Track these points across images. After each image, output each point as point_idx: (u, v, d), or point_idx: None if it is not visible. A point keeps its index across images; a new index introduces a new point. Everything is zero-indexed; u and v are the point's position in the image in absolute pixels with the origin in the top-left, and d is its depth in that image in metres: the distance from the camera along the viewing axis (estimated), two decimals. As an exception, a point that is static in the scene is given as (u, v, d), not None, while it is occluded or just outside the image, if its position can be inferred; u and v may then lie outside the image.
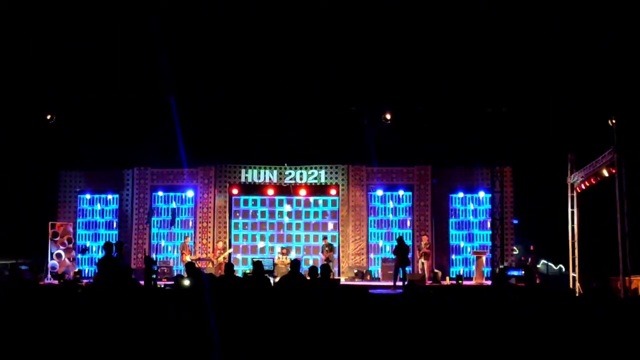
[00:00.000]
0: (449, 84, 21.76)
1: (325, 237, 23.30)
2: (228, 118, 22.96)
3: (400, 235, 22.48)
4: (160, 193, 24.40)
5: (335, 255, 23.33)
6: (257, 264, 12.55)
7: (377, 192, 24.19)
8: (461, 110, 22.27)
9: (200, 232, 24.06)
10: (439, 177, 24.18)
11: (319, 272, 12.33)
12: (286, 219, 24.53)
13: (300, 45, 21.16)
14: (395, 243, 21.73)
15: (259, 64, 21.86)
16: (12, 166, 23.01)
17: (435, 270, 22.64)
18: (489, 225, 23.24)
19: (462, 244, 23.93)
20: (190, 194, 24.43)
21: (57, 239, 23.09)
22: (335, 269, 22.64)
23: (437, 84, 21.90)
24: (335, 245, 23.53)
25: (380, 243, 24.12)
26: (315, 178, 24.26)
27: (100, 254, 22.46)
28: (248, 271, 19.94)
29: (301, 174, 24.23)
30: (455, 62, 21.30)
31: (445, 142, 22.82)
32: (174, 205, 24.18)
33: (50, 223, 23.33)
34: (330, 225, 24.46)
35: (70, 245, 23.36)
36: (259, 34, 20.98)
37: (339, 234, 24.01)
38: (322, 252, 22.86)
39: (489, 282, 21.25)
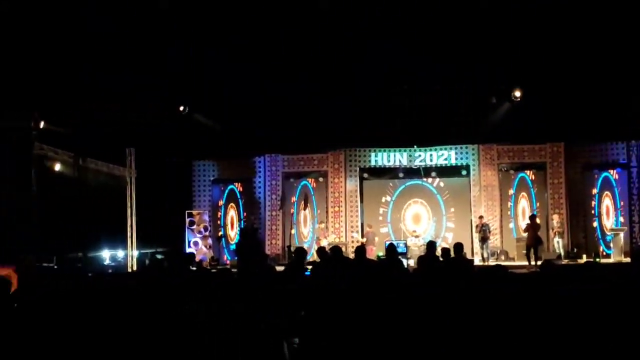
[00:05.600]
0: (579, 58, 21.67)
1: (481, 217, 23.61)
2: (357, 101, 23.61)
3: (533, 213, 22.76)
4: (292, 179, 25.54)
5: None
6: (390, 247, 13.09)
7: (509, 171, 24.58)
8: (592, 83, 22.06)
9: (332, 217, 24.95)
10: (573, 154, 24.29)
11: (451, 252, 13.03)
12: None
13: (430, 29, 21.50)
14: (527, 221, 22.17)
15: (385, 45, 22.31)
16: (150, 158, 24.50)
17: (572, 249, 22.85)
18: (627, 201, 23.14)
19: (599, 221, 23.82)
20: (321, 179, 25.45)
21: (194, 227, 24.55)
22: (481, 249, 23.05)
23: (568, 58, 21.81)
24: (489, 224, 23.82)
25: (513, 222, 24.49)
26: (446, 159, 24.81)
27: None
28: (381, 254, 20.58)
29: (431, 155, 24.79)
30: (586, 35, 21.28)
31: (578, 117, 22.72)
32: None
33: (187, 212, 24.88)
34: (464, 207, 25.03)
35: (207, 233, 24.75)
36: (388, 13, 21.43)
37: (471, 215, 24.41)
38: (478, 231, 23.22)
39: (628, 260, 21.14)
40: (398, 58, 22.26)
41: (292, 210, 25.85)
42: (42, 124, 20.39)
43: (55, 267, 20.65)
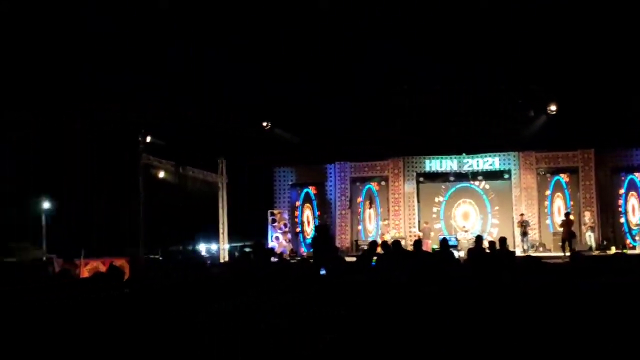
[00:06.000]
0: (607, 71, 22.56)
1: (522, 214, 25.63)
2: (412, 113, 25.08)
3: (567, 211, 24.66)
4: (358, 183, 27.81)
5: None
6: (444, 241, 14.56)
7: (546, 175, 26.53)
8: (620, 94, 23.18)
9: (393, 215, 27.07)
10: (602, 159, 26.08)
11: (496, 245, 14.81)
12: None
13: (476, 45, 22.43)
14: (562, 218, 24.10)
15: (435, 61, 23.35)
16: (238, 166, 27.19)
17: (602, 242, 24.54)
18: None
19: (625, 218, 25.60)
20: (383, 183, 27.60)
21: (275, 224, 27.26)
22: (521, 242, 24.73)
23: (598, 72, 22.72)
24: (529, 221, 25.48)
25: (550, 219, 26.42)
26: (490, 165, 26.76)
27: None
28: (436, 247, 22.64)
29: (477, 161, 26.80)
30: (611, 47, 21.80)
31: (606, 126, 23.97)
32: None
33: (269, 211, 27.54)
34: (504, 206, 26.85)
35: (286, 229, 27.43)
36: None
37: (513, 212, 26.24)
38: (520, 226, 25.13)
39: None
40: (450, 76, 23.79)
41: (358, 210, 27.78)
42: (148, 138, 22.74)
43: (160, 258, 23.15)
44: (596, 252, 23.18)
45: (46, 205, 23.51)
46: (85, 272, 18.20)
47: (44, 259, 20.98)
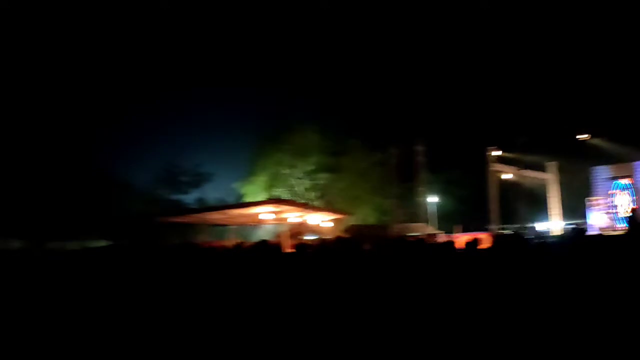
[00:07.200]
0: None
1: None
2: None
3: None
4: None
5: None
6: None
7: None
8: None
9: None
10: None
11: None
12: None
13: None
14: None
15: None
16: (564, 167, 34.99)
17: None
18: None
19: None
20: None
21: (593, 207, 34.38)
22: None
23: None
24: None
25: None
26: None
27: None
28: None
29: None
30: None
31: None
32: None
33: (586, 199, 34.69)
34: None
35: (604, 211, 34.03)
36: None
37: None
38: None
39: None
40: None
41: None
42: (494, 152, 32.87)
43: (510, 232, 29.35)
44: None
45: (431, 199, 35.45)
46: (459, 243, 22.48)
47: (433, 233, 30.94)
